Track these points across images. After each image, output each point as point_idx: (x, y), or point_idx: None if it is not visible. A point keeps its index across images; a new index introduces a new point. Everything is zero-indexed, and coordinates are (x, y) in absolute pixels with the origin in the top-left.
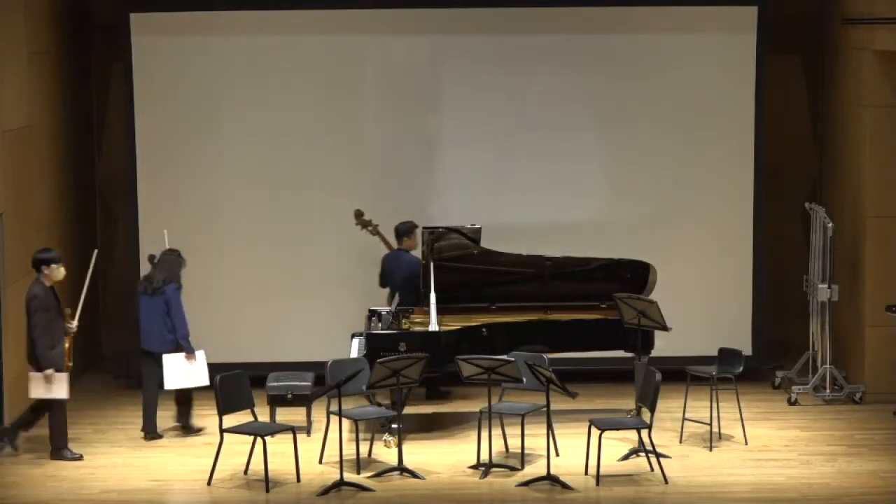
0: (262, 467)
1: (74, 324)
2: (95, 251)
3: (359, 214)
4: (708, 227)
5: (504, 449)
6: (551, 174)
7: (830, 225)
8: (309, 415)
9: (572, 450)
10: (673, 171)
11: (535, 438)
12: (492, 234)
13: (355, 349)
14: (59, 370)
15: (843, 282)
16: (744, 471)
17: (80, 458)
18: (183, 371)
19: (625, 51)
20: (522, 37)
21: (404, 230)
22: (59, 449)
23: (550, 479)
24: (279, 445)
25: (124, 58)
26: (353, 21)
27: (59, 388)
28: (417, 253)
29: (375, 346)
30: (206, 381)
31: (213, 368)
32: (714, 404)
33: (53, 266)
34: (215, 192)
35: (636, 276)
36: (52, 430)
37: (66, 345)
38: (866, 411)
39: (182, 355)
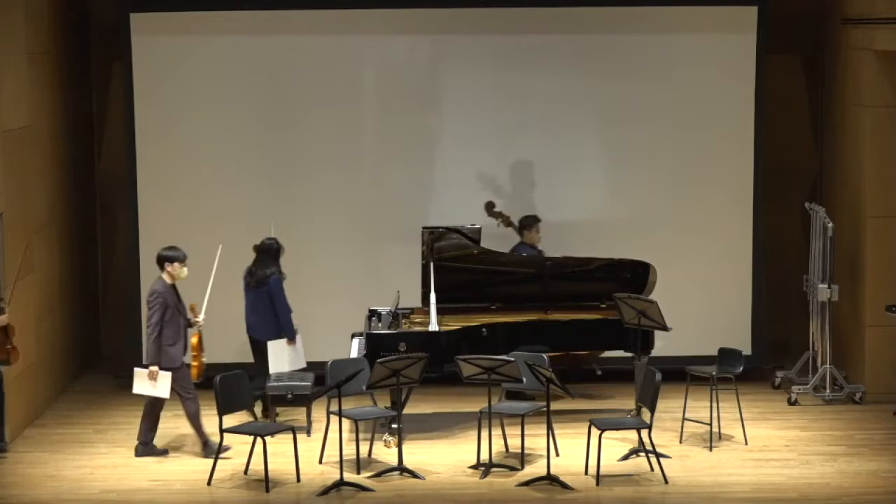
0: (262, 467)
1: (201, 317)
2: (220, 246)
3: (490, 206)
4: (708, 227)
5: (504, 449)
6: (551, 174)
7: (830, 225)
8: (309, 415)
9: (572, 450)
10: (673, 171)
11: (535, 438)
12: (492, 234)
13: (355, 349)
14: (171, 368)
15: (843, 282)
16: (744, 471)
17: (167, 453)
18: (285, 356)
19: (625, 51)
20: (522, 37)
21: (524, 224)
22: (145, 444)
23: (550, 479)
24: (279, 445)
25: (124, 58)
26: (353, 21)
27: (162, 386)
28: (540, 246)
29: (375, 346)
30: (303, 364)
31: (214, 368)
32: (714, 404)
33: (176, 265)
34: (215, 191)
35: (636, 276)
36: (144, 426)
37: (194, 339)
38: (866, 411)
39: (284, 341)
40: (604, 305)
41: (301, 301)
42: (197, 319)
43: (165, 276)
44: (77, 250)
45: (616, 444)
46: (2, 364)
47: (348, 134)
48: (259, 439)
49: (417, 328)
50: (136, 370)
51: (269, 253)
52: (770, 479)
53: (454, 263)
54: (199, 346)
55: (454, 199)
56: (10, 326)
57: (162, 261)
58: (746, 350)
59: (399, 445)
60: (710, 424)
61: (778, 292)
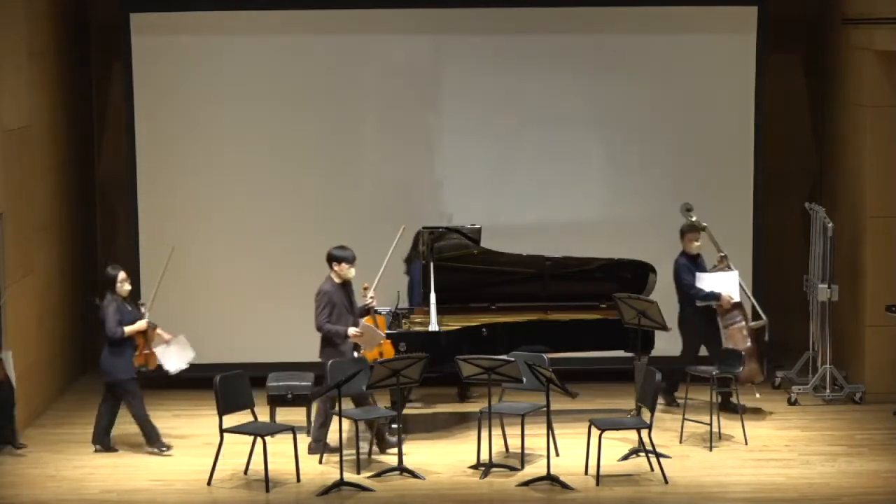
0: (262, 467)
1: (369, 296)
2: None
3: (687, 209)
4: (708, 227)
5: (504, 449)
6: (551, 174)
7: (830, 225)
8: (309, 415)
9: (572, 450)
10: (673, 171)
11: (535, 438)
12: (492, 234)
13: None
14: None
15: (843, 282)
16: (744, 471)
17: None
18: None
19: (625, 51)
20: (522, 37)
21: (680, 231)
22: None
23: (550, 479)
24: (279, 445)
25: (124, 58)
26: (353, 21)
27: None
28: (693, 251)
29: None
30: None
31: (214, 368)
32: (714, 404)
33: (344, 265)
34: (215, 191)
35: (636, 276)
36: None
37: (367, 320)
38: (866, 411)
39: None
40: (604, 305)
41: (301, 301)
42: (368, 300)
43: (333, 276)
44: (77, 250)
45: (616, 444)
46: (141, 367)
47: (348, 134)
48: (259, 439)
49: (417, 328)
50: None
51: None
52: (770, 479)
53: (454, 263)
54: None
55: (454, 199)
56: (150, 331)
57: (330, 260)
58: None
59: (399, 445)
60: (710, 424)
61: (778, 292)
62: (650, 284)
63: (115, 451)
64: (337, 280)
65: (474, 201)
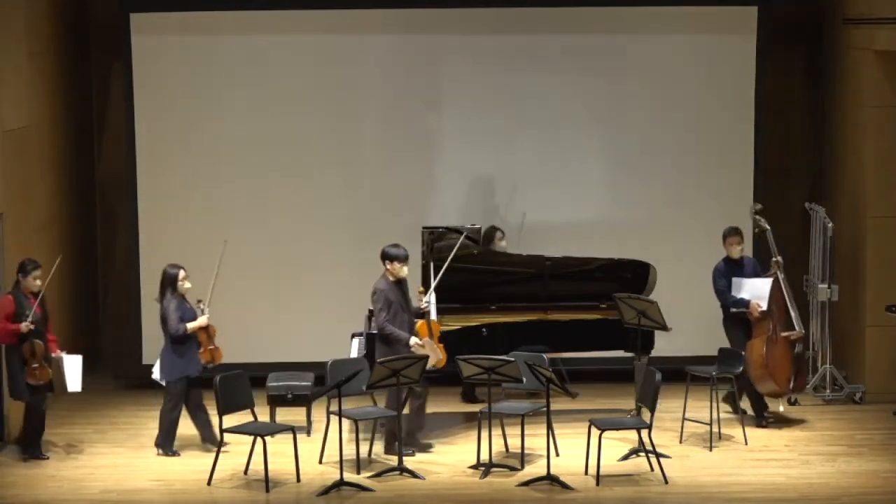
0: (262, 467)
1: (424, 298)
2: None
3: (756, 211)
4: (708, 227)
5: (504, 449)
6: (551, 174)
7: (830, 225)
8: (309, 415)
9: (572, 450)
10: (673, 170)
11: (535, 438)
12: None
13: (355, 349)
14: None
15: (843, 282)
16: (744, 471)
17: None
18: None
19: (625, 51)
20: (522, 37)
21: (722, 234)
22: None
23: (550, 479)
24: (279, 445)
25: (124, 58)
26: (353, 21)
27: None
28: (734, 255)
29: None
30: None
31: (214, 368)
32: (714, 404)
33: (396, 264)
34: (215, 191)
35: (636, 276)
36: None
37: (421, 326)
38: (866, 411)
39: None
40: (604, 305)
41: (301, 301)
42: (422, 305)
43: (387, 274)
44: (77, 250)
45: (616, 444)
46: (208, 364)
47: (348, 134)
48: (259, 439)
49: None
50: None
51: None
52: (770, 479)
53: (454, 263)
54: (428, 332)
55: (454, 199)
56: (211, 327)
57: (384, 258)
58: None
59: (399, 445)
60: (710, 424)
61: None
62: (650, 284)
63: (225, 444)
64: (391, 278)
65: (474, 202)
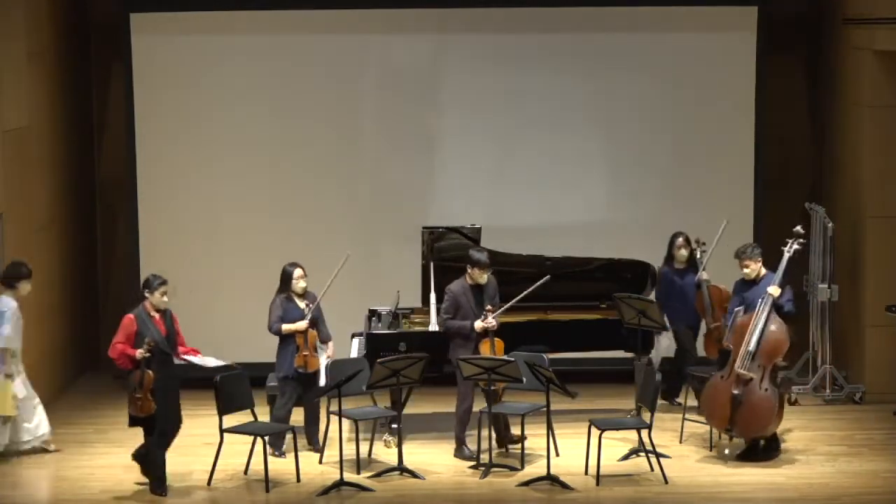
0: (262, 467)
1: (490, 316)
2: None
3: (799, 234)
4: (708, 227)
5: (504, 449)
6: (551, 174)
7: (830, 225)
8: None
9: (572, 450)
10: (673, 170)
11: (535, 438)
12: (492, 234)
13: (355, 349)
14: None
15: (843, 282)
16: (743, 471)
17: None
18: None
19: (625, 50)
20: (522, 37)
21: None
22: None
23: (550, 479)
24: None
25: (124, 58)
26: (353, 21)
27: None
28: (747, 277)
29: (375, 346)
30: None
31: (214, 368)
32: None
33: (476, 270)
34: (215, 191)
35: (636, 276)
36: None
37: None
38: (866, 411)
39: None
40: (604, 305)
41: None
42: (487, 323)
43: (467, 276)
44: (77, 250)
45: (616, 444)
46: (299, 368)
47: (348, 133)
48: (259, 439)
49: (417, 328)
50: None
51: None
52: (770, 479)
53: (454, 263)
54: (490, 348)
55: (454, 199)
56: (311, 332)
57: (466, 261)
58: None
59: (399, 445)
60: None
61: None
62: (650, 284)
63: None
64: (469, 281)
65: (474, 202)
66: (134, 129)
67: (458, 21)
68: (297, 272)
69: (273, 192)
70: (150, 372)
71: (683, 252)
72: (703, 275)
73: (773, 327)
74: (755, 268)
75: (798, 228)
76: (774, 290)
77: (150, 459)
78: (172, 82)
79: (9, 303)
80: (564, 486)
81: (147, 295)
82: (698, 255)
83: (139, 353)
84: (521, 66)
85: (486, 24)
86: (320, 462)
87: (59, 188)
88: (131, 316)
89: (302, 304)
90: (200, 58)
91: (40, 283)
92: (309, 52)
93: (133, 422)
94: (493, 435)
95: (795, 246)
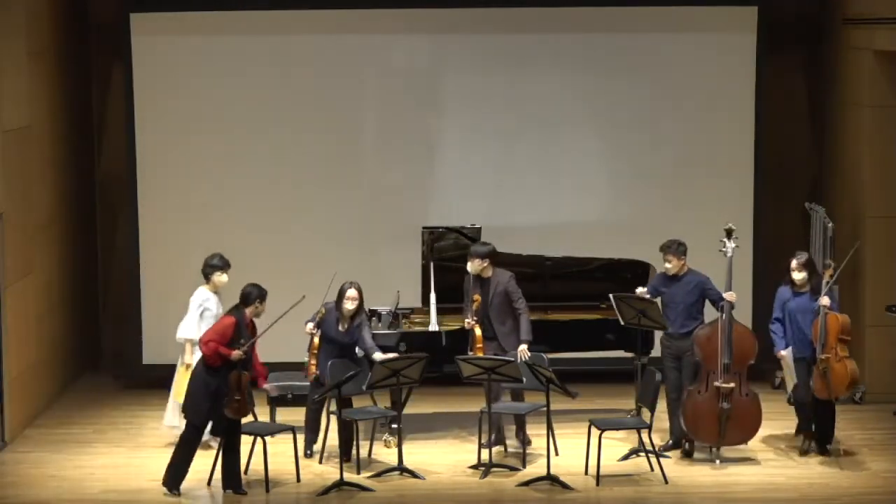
0: (262, 467)
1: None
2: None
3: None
4: (708, 227)
5: (504, 449)
6: (551, 174)
7: (830, 225)
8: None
9: (572, 450)
10: (673, 170)
11: (535, 438)
12: (492, 234)
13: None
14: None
15: (842, 282)
16: (744, 471)
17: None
18: None
19: (625, 51)
20: (522, 37)
21: None
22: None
23: (550, 479)
24: (279, 445)
25: (124, 58)
26: (353, 21)
27: None
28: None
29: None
30: None
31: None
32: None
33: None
34: (215, 191)
35: (636, 276)
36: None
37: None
38: (866, 411)
39: None
40: (604, 305)
41: (301, 301)
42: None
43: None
44: (77, 250)
45: (616, 444)
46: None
47: (348, 133)
48: (259, 439)
49: (417, 328)
50: None
51: None
52: (770, 479)
53: (454, 263)
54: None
55: (454, 199)
56: (243, 374)
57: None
58: None
59: (399, 445)
60: None
61: None
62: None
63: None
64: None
65: (474, 202)
66: (134, 129)
67: (458, 21)
68: (349, 293)
69: (273, 192)
70: (247, 373)
71: (796, 275)
72: (824, 300)
73: (738, 332)
74: (677, 265)
75: (730, 225)
76: (730, 296)
77: (236, 458)
78: (172, 82)
79: (198, 296)
80: (564, 486)
81: (257, 305)
82: (825, 280)
83: (235, 353)
84: (521, 67)
85: (486, 24)
86: (320, 462)
87: (59, 188)
88: (233, 319)
89: (342, 326)
90: (200, 58)
91: (40, 284)
92: (309, 52)
93: (218, 428)
94: (493, 435)
95: (731, 244)
